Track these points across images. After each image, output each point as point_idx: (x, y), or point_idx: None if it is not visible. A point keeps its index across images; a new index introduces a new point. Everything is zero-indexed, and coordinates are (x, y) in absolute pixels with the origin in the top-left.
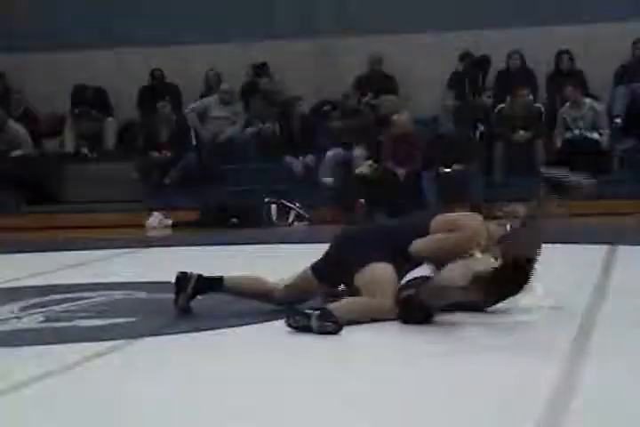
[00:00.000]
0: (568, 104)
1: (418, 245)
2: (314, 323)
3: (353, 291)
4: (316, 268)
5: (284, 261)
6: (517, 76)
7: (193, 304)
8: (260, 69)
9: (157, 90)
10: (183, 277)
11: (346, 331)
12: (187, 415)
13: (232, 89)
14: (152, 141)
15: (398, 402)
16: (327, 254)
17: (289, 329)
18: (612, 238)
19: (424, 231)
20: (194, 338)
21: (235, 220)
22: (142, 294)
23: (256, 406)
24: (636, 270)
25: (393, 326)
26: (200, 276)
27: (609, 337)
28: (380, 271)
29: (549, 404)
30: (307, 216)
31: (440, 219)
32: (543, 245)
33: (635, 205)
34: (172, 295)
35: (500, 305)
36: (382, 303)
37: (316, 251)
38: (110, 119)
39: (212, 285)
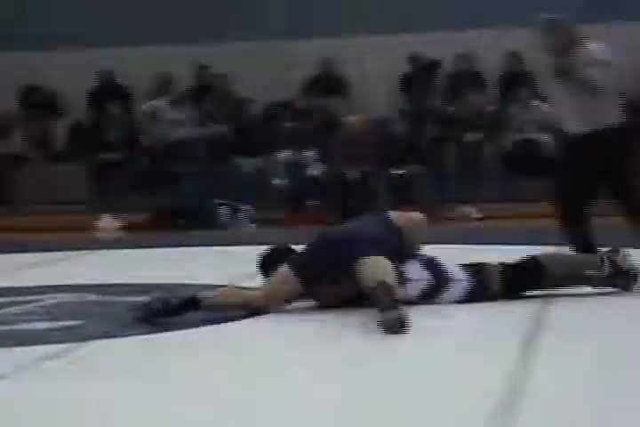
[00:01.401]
0: (518, 106)
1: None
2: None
3: (344, 287)
4: (301, 268)
5: (233, 263)
6: (467, 78)
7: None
8: (210, 71)
9: (107, 91)
10: (162, 307)
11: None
12: (135, 417)
13: (183, 90)
14: (102, 143)
15: (345, 405)
16: (313, 254)
17: (244, 331)
18: (561, 240)
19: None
20: (145, 340)
21: (185, 221)
22: (93, 297)
23: (210, 406)
24: None
25: (342, 328)
26: (175, 304)
27: (555, 338)
28: (382, 262)
29: (498, 404)
30: (257, 218)
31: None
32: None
33: None
34: (122, 298)
35: (450, 307)
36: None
37: None
38: (59, 121)
39: (188, 308)
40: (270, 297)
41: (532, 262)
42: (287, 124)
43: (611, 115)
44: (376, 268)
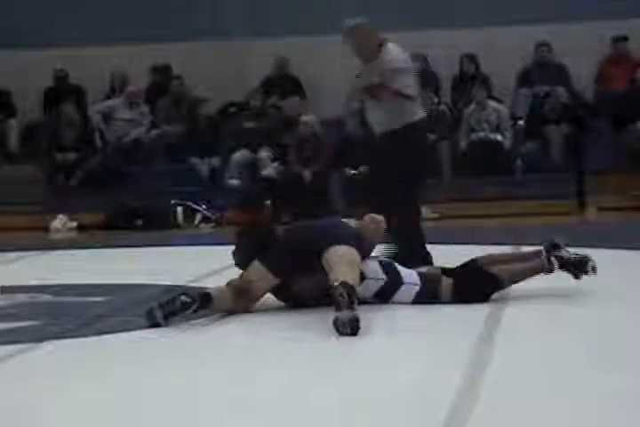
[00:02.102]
0: (473, 106)
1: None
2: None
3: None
4: (273, 262)
5: (190, 263)
6: (421, 78)
7: (101, 307)
8: (165, 71)
9: (61, 91)
10: (179, 307)
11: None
12: (91, 417)
13: (138, 90)
14: (56, 143)
15: (298, 407)
16: (281, 248)
17: (197, 332)
18: (515, 239)
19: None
20: (99, 341)
21: (141, 222)
22: (47, 297)
23: (168, 406)
24: None
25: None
26: (189, 302)
27: (510, 341)
28: (350, 251)
29: (452, 409)
30: (213, 218)
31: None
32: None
33: (537, 206)
34: (77, 298)
35: (404, 307)
36: None
37: (223, 252)
38: (13, 121)
39: (203, 305)
40: (249, 295)
41: (485, 275)
42: (242, 125)
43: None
44: (345, 260)
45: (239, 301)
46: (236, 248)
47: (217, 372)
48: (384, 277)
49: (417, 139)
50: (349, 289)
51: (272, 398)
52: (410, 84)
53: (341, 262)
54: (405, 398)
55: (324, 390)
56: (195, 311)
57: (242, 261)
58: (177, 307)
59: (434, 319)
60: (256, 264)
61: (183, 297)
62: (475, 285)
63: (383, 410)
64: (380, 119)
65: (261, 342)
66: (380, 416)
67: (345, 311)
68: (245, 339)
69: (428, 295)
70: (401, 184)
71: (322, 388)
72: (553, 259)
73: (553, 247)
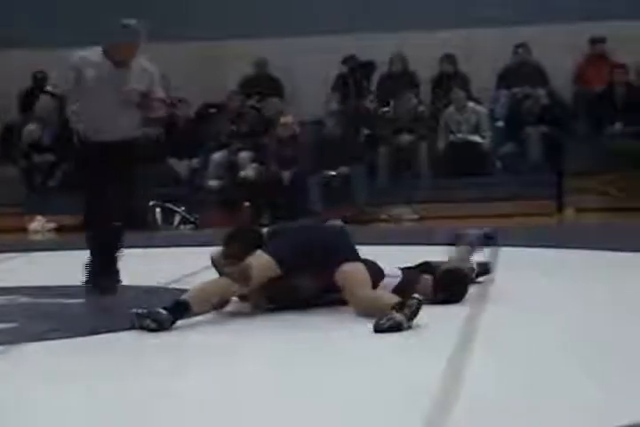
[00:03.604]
0: (452, 107)
1: None
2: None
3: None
4: (283, 255)
5: (169, 265)
6: (400, 79)
7: (79, 308)
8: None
9: (39, 93)
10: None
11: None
12: (73, 421)
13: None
14: (35, 144)
15: (288, 407)
16: (294, 244)
17: (176, 333)
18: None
19: None
20: (81, 342)
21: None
22: (25, 299)
23: (153, 410)
24: (517, 272)
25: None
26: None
27: (491, 338)
28: (363, 273)
29: (435, 405)
30: (192, 219)
31: None
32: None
33: (514, 206)
34: (55, 300)
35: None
36: None
37: (202, 253)
38: None
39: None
40: (248, 281)
41: (460, 275)
42: (221, 126)
43: (135, 126)
44: (362, 280)
45: (235, 285)
46: (229, 247)
47: (211, 372)
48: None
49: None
50: (419, 306)
51: (270, 397)
52: None
53: (362, 285)
54: (385, 397)
55: (316, 390)
56: (172, 324)
57: (234, 257)
58: (152, 328)
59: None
60: (262, 254)
61: (150, 323)
62: (455, 280)
63: (365, 409)
64: (130, 124)
65: (259, 343)
66: (363, 415)
67: (400, 315)
68: (235, 339)
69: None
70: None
71: (320, 387)
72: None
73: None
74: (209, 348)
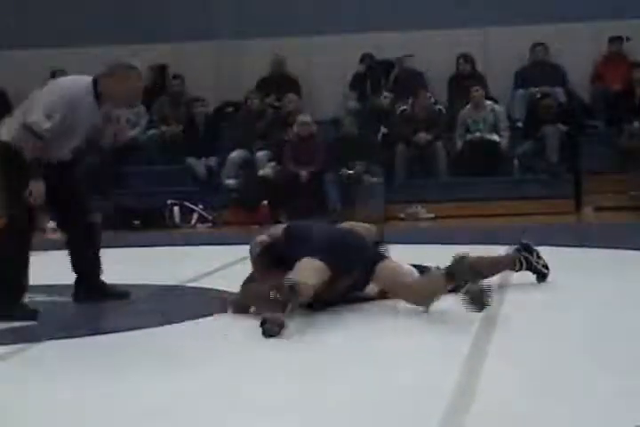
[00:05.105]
0: (469, 106)
1: None
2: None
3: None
4: (331, 259)
5: (187, 263)
6: (417, 78)
7: (95, 306)
8: (161, 71)
9: None
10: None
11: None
12: (90, 420)
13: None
14: None
15: (300, 407)
16: (338, 247)
17: (185, 333)
18: (513, 240)
19: None
20: (95, 341)
21: (138, 222)
22: (42, 297)
23: (168, 408)
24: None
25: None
26: None
27: (507, 337)
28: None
29: (451, 405)
30: (210, 218)
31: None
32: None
33: (533, 205)
34: (70, 298)
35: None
36: None
37: (220, 252)
38: None
39: None
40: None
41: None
42: (239, 125)
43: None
44: (407, 270)
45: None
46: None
47: (221, 371)
48: None
49: None
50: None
51: (276, 398)
52: None
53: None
54: (401, 398)
55: (332, 389)
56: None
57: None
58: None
59: (428, 318)
60: (312, 260)
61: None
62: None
63: (380, 409)
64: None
65: (264, 343)
66: (378, 415)
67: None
68: (243, 337)
69: None
70: None
71: (329, 387)
72: (522, 259)
73: (525, 249)
74: (212, 349)
